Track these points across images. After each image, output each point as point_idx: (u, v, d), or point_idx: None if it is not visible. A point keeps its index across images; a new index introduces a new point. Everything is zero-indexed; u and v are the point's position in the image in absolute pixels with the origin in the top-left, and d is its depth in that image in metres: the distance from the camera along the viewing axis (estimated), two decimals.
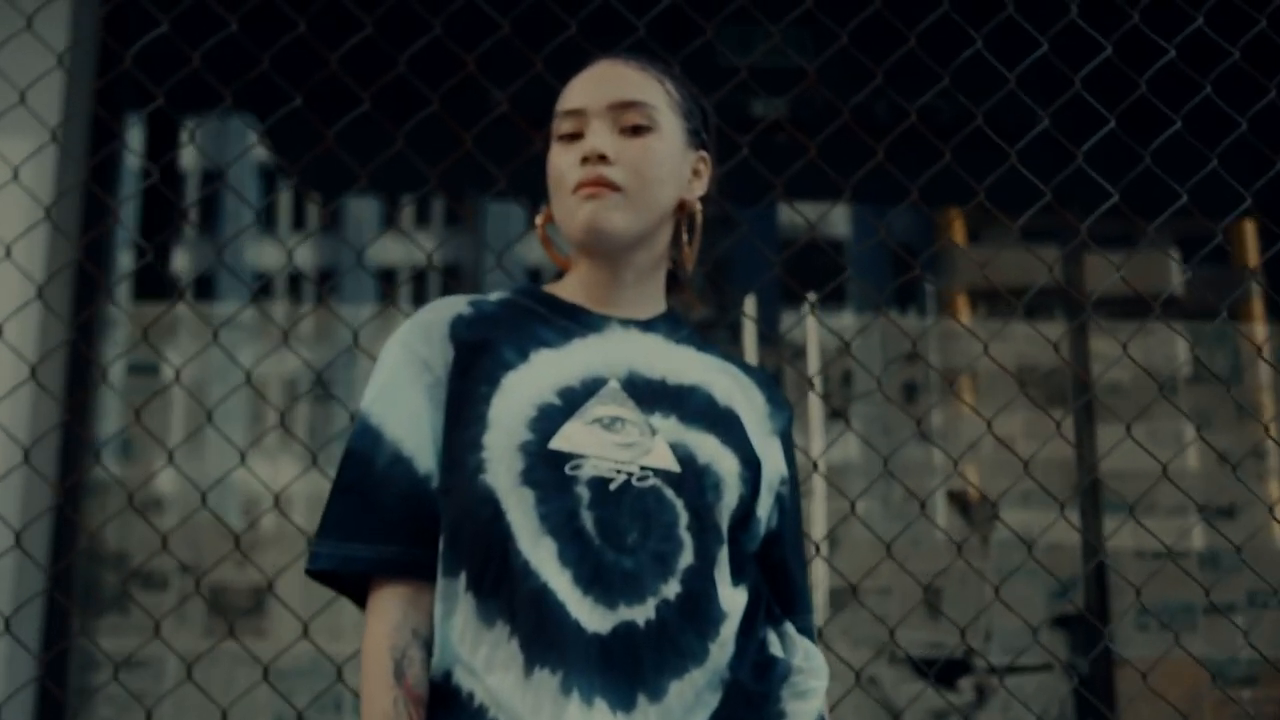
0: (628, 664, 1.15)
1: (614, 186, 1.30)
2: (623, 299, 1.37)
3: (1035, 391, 2.36)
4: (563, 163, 1.34)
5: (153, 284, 3.69)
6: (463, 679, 1.19)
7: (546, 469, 1.20)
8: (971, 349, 4.02)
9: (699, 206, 1.42)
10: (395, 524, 1.25)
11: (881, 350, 4.07)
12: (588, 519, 1.19)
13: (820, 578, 3.47)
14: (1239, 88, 2.50)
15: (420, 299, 3.96)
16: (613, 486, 1.20)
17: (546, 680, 1.13)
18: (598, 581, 1.17)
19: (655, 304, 1.41)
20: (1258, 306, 4.08)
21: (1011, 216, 2.37)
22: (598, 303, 1.37)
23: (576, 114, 1.34)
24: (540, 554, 1.17)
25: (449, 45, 2.24)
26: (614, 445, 1.23)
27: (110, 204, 2.75)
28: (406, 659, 1.21)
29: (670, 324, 1.40)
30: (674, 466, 1.23)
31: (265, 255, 4.19)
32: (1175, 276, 4.09)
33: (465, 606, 1.20)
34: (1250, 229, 4.05)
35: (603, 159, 1.30)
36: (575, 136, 1.34)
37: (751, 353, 3.78)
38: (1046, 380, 3.82)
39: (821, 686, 1.32)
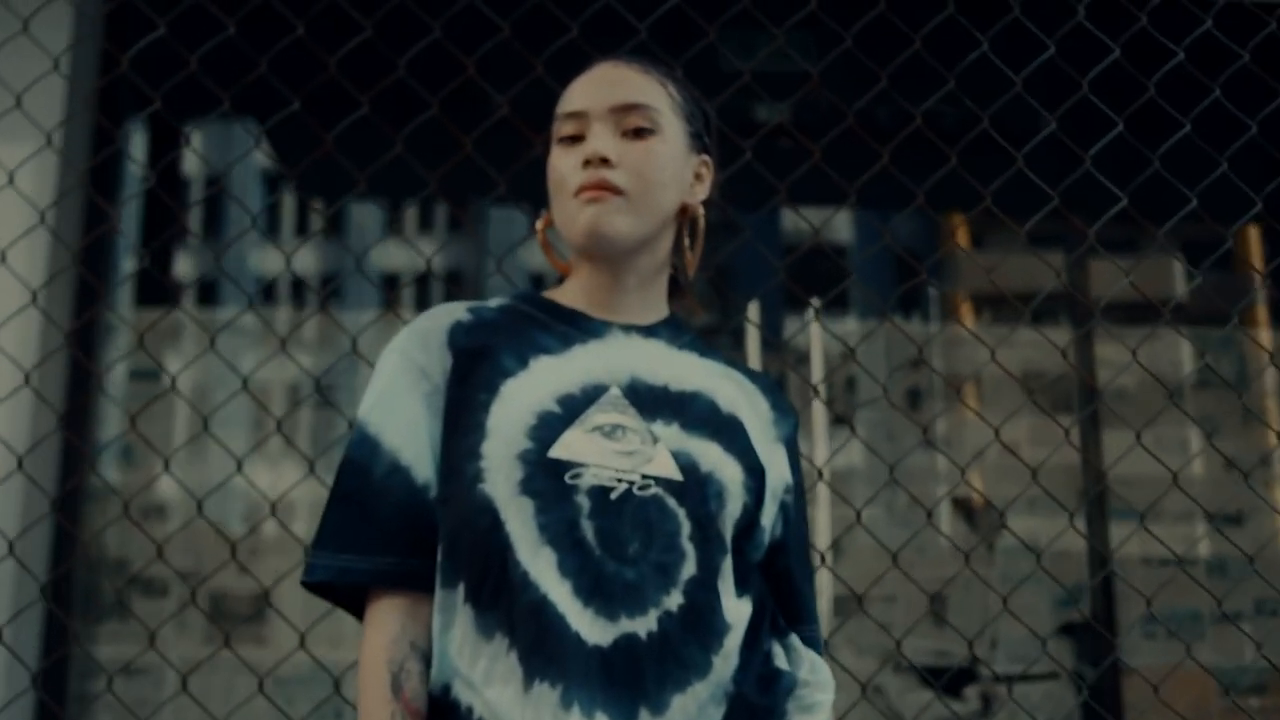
0: (629, 677, 1.13)
1: (616, 190, 1.28)
2: (624, 304, 1.35)
3: (1039, 397, 2.33)
4: (564, 166, 1.32)
5: (156, 290, 3.68)
6: (461, 692, 1.17)
7: (546, 478, 1.18)
8: (975, 355, 4.01)
9: (701, 210, 1.40)
10: (393, 534, 1.23)
11: (885, 356, 4.05)
12: (588, 529, 1.16)
13: (824, 585, 3.45)
14: (1246, 91, 2.48)
15: (423, 305, 3.95)
16: (614, 496, 1.18)
17: (546, 694, 1.11)
18: (598, 593, 1.14)
19: (657, 309, 1.39)
20: (1261, 312, 4.07)
21: (1016, 222, 2.35)
22: (599, 308, 1.35)
23: (578, 116, 1.32)
24: (540, 565, 1.15)
25: (449, 48, 2.22)
26: (615, 453, 1.20)
27: (108, 209, 2.73)
28: (404, 672, 1.19)
29: (672, 330, 1.38)
30: (676, 475, 1.21)
31: (269, 261, 4.18)
32: (1180, 281, 4.07)
33: (464, 618, 1.18)
34: (1255, 234, 4.03)
35: (605, 162, 1.28)
36: (576, 139, 1.32)
37: (755, 359, 3.76)
38: (1051, 386, 3.80)
39: (828, 700, 1.29)
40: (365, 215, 4.14)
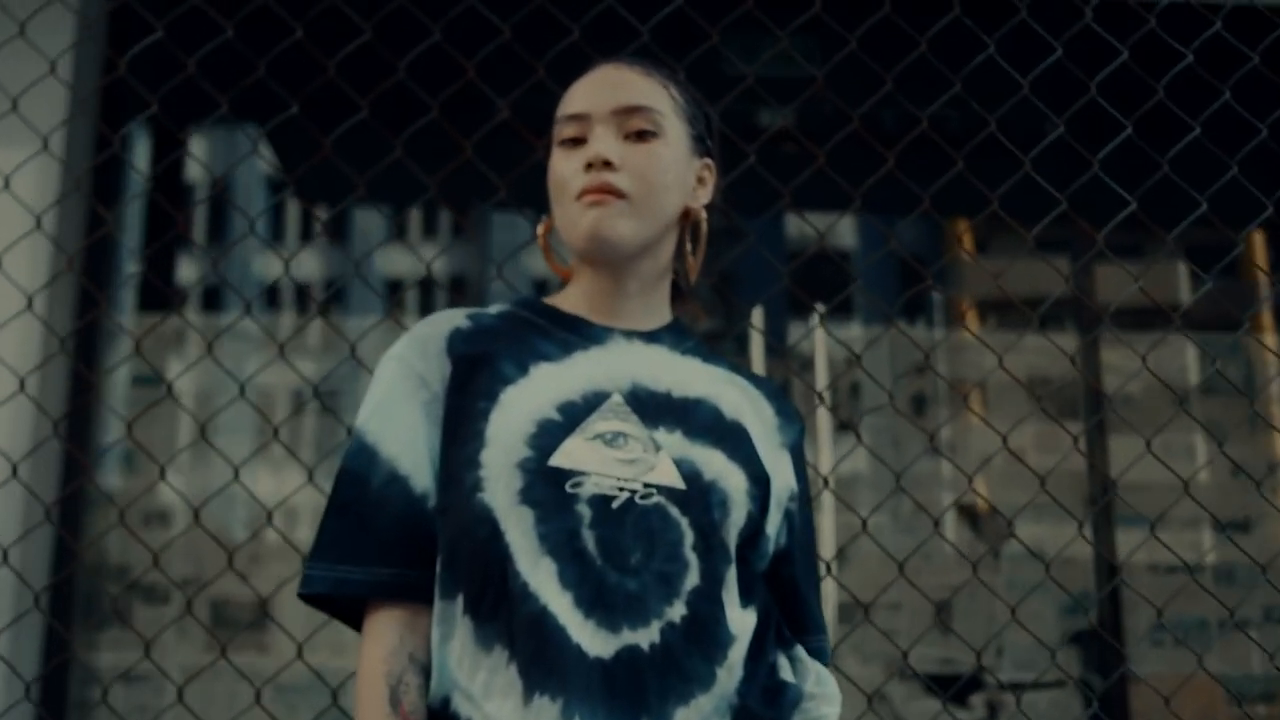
0: (631, 690, 1.11)
1: (619, 193, 1.26)
2: (626, 310, 1.33)
3: (1045, 403, 2.32)
4: (565, 169, 1.30)
5: (160, 295, 3.67)
6: (461, 705, 1.15)
7: (546, 487, 1.16)
8: (979, 360, 3.99)
9: (704, 215, 1.38)
10: (391, 545, 1.21)
11: (890, 362, 4.04)
12: (589, 539, 1.14)
13: (829, 593, 3.44)
14: (1255, 95, 2.46)
15: (426, 310, 3.94)
16: (615, 505, 1.16)
17: (546, 708, 1.09)
18: (600, 604, 1.12)
19: (660, 315, 1.37)
20: (1267, 318, 4.05)
21: (1021, 227, 2.33)
22: (600, 314, 1.33)
23: (579, 119, 1.30)
24: (540, 575, 1.13)
25: (450, 52, 2.21)
26: (616, 462, 1.18)
27: (105, 215, 2.72)
28: (403, 685, 1.17)
29: (675, 335, 1.36)
30: (679, 483, 1.19)
31: (273, 266, 4.17)
32: (1185, 286, 4.06)
33: (463, 630, 1.16)
34: (1260, 239, 4.02)
35: (608, 165, 1.26)
36: (578, 142, 1.30)
37: (759, 365, 3.75)
38: (1057, 392, 3.78)
39: (834, 713, 1.28)
40: (369, 221, 4.14)
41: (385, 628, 1.19)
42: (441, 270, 4.33)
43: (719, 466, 1.22)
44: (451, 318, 1.31)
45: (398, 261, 4.21)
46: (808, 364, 3.93)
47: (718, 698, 1.15)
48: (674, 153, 1.31)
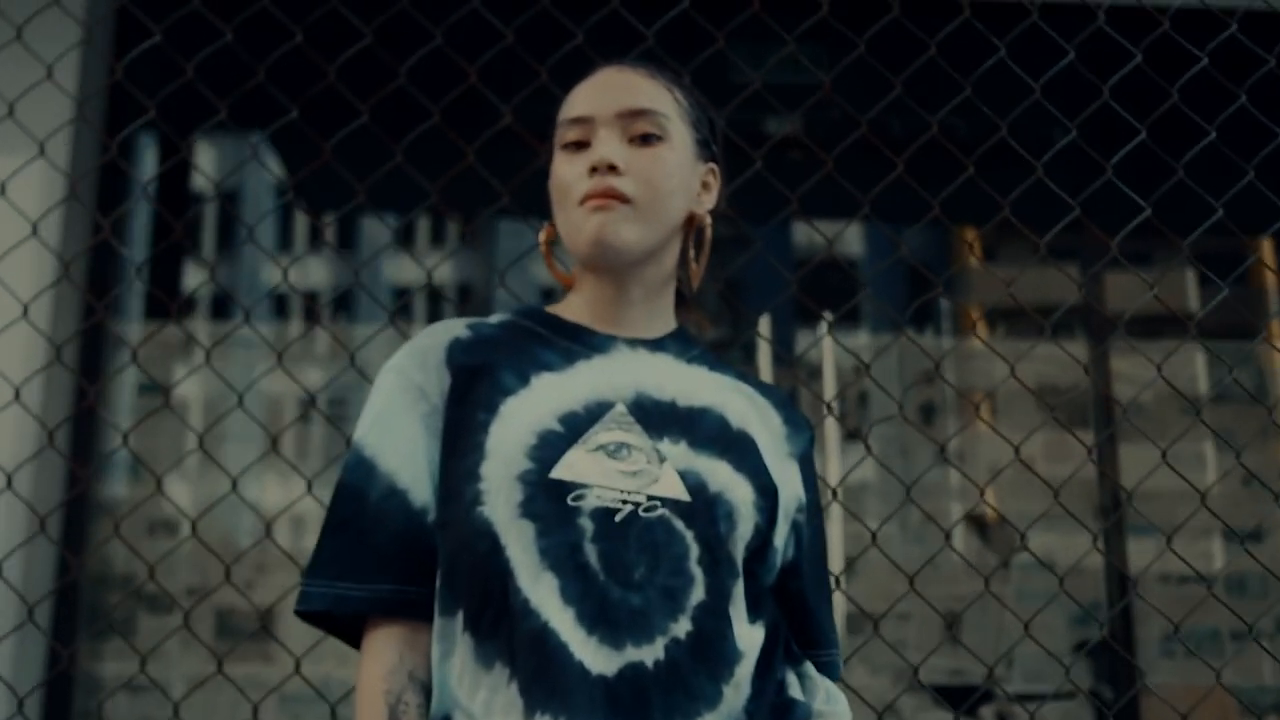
0: (635, 709, 1.07)
1: (624, 198, 1.24)
2: (629, 317, 1.31)
3: (1054, 412, 2.30)
4: (568, 173, 1.27)
5: (166, 303, 3.67)
6: None
7: (547, 500, 1.13)
8: (988, 369, 3.97)
9: (708, 220, 1.36)
10: (390, 561, 1.18)
11: (899, 371, 4.02)
12: (591, 553, 1.11)
13: (838, 603, 3.42)
14: (1267, 100, 2.45)
15: (433, 319, 3.93)
16: (618, 518, 1.13)
17: None
18: (603, 620, 1.09)
19: (664, 322, 1.34)
20: (1276, 326, 4.03)
21: (1030, 235, 2.32)
22: (603, 322, 1.30)
23: (583, 122, 1.28)
24: (541, 591, 1.10)
25: (451, 56, 2.20)
26: (619, 474, 1.15)
27: (101, 221, 2.71)
28: (402, 704, 1.14)
29: (680, 343, 1.34)
30: (683, 495, 1.16)
31: (279, 274, 4.16)
32: (1194, 294, 4.04)
33: (463, 647, 1.13)
34: (1268, 245, 4.00)
35: (612, 169, 1.24)
36: (581, 145, 1.28)
37: (766, 374, 3.73)
38: (1065, 400, 3.76)
39: None
40: (378, 229, 4.13)
41: (384, 645, 1.17)
42: (449, 279, 4.32)
43: (725, 478, 1.19)
44: (451, 328, 1.28)
45: (406, 270, 4.20)
46: (815, 373, 3.91)
47: (724, 716, 1.12)
48: (679, 157, 1.29)
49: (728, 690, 1.13)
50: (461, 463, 1.17)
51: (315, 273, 4.32)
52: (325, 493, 1.26)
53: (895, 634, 3.61)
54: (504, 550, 1.12)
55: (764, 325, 3.37)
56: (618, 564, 1.11)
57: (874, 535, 2.07)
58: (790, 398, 1.43)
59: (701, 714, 1.10)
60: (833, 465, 3.63)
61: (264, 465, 2.16)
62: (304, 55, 2.23)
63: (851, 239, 4.30)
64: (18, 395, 2.11)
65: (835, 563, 3.41)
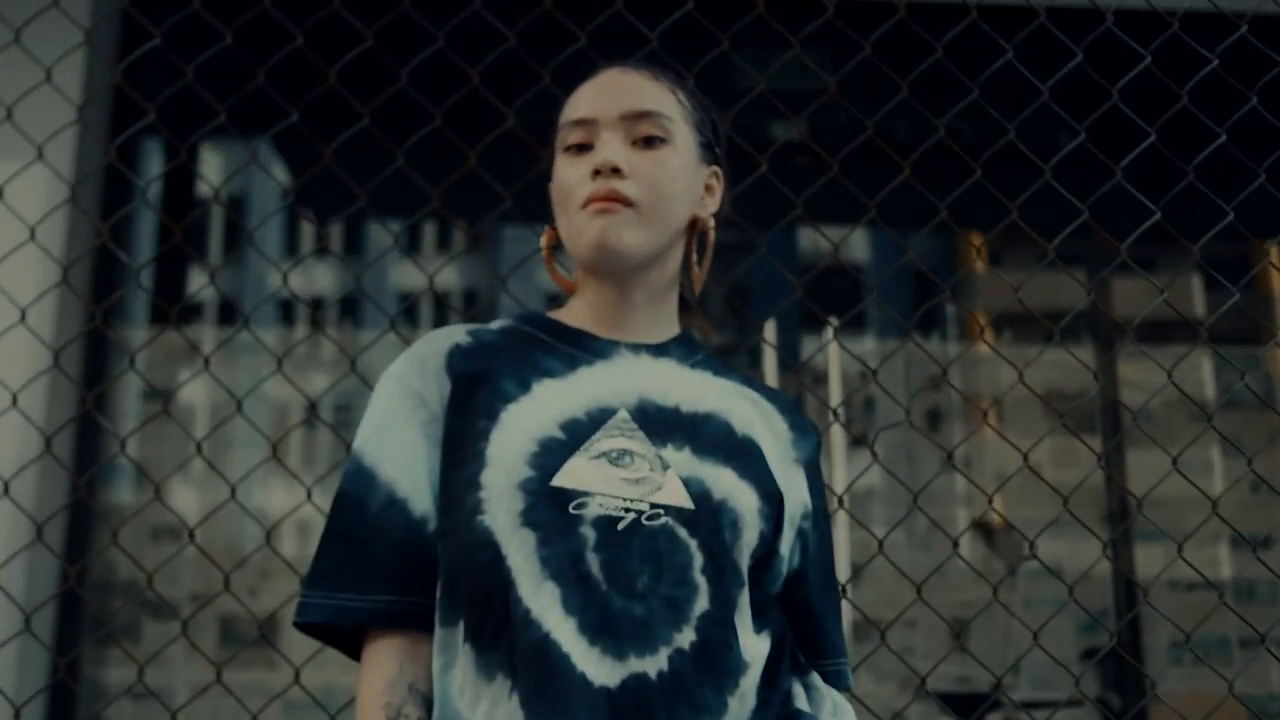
0: None
1: (627, 201, 1.22)
2: (632, 322, 1.29)
3: (1061, 418, 2.28)
4: (571, 176, 1.26)
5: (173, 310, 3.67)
6: None
7: (548, 508, 1.11)
8: (994, 374, 3.96)
9: (712, 224, 1.34)
10: (390, 571, 1.16)
11: (905, 377, 4.01)
12: (594, 562, 1.09)
13: (844, 611, 3.40)
14: (1276, 103, 2.43)
15: (439, 326, 3.93)
16: (621, 526, 1.11)
17: None
18: (605, 630, 1.07)
19: (668, 327, 1.32)
20: None
21: (1036, 240, 2.30)
22: (606, 327, 1.28)
23: (586, 124, 1.26)
24: (542, 601, 1.07)
25: (454, 60, 2.19)
26: (622, 481, 1.13)
27: (100, 228, 2.71)
28: (402, 717, 1.12)
29: (684, 348, 1.32)
30: (687, 503, 1.14)
31: (290, 279, 4.16)
32: (1199, 299, 4.03)
33: (464, 659, 1.11)
34: (1276, 250, 3.99)
35: (616, 172, 1.22)
36: (584, 148, 1.26)
37: (772, 380, 3.72)
38: (1072, 406, 3.75)
39: None
40: (384, 234, 4.13)
41: (385, 657, 1.15)
42: (454, 284, 4.32)
43: (729, 485, 1.17)
44: (451, 334, 1.27)
45: (412, 275, 4.19)
46: (821, 379, 3.90)
47: None
48: (683, 160, 1.28)
49: (732, 702, 1.11)
50: (462, 471, 1.15)
51: (322, 278, 4.32)
52: (328, 499, 1.24)
53: (902, 641, 3.59)
54: (505, 560, 1.10)
55: (769, 331, 3.37)
56: (620, 573, 1.09)
57: (880, 543, 2.06)
58: (796, 403, 1.42)
59: None
60: (839, 472, 3.62)
61: (271, 471, 2.15)
62: (306, 59, 2.23)
63: (857, 245, 4.29)
64: (15, 401, 2.10)
65: (841, 570, 3.40)
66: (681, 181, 1.27)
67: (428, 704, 1.15)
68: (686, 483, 1.16)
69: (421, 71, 2.22)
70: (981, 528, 3.93)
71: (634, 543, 1.11)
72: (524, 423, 1.16)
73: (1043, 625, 2.12)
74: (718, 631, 1.12)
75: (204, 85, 2.21)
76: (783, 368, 3.71)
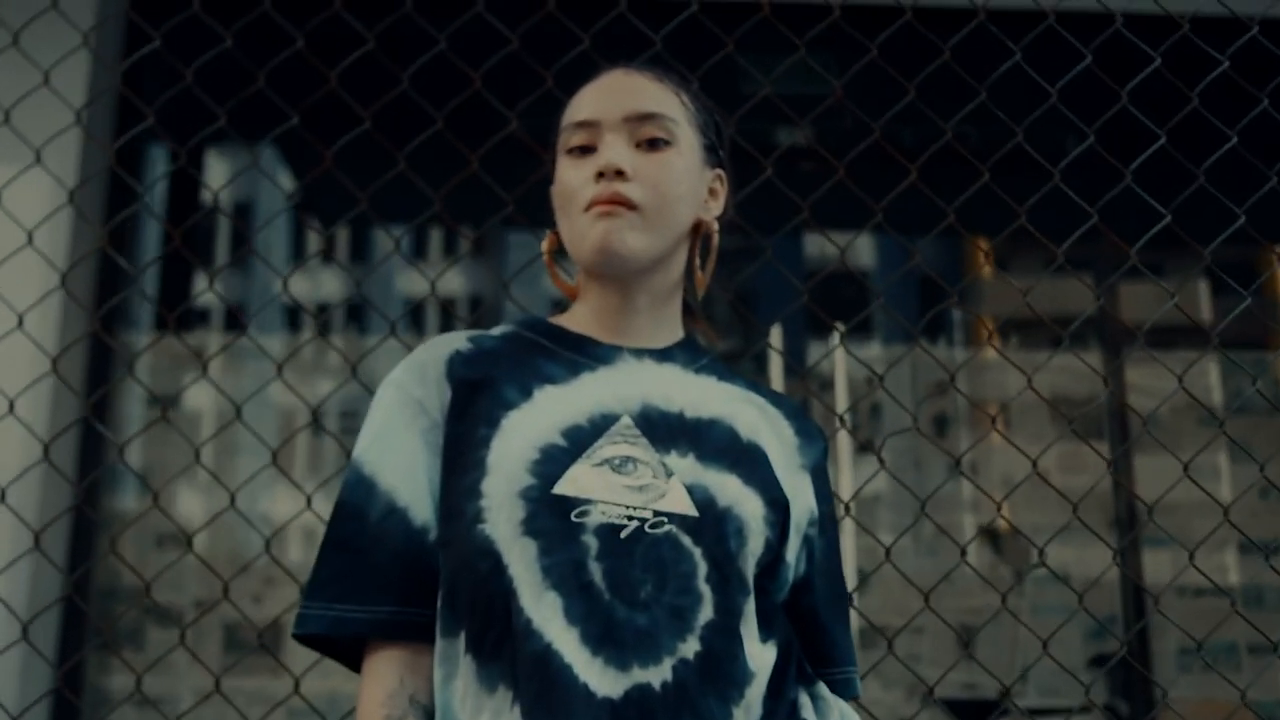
0: None
1: (631, 204, 1.20)
2: (635, 327, 1.27)
3: (1069, 424, 2.27)
4: (574, 179, 1.24)
5: (179, 316, 3.67)
6: None
7: (550, 517, 1.09)
8: (1000, 380, 3.95)
9: (715, 228, 1.32)
10: (390, 581, 1.14)
11: (911, 382, 4.00)
12: (596, 571, 1.07)
13: (851, 617, 3.39)
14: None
15: (445, 332, 3.92)
16: (623, 534, 1.09)
17: None
18: (608, 640, 1.05)
19: (671, 332, 1.31)
20: None
21: (1042, 244, 2.29)
22: (608, 332, 1.27)
23: (589, 126, 1.25)
24: (544, 611, 1.06)
25: (456, 62, 2.19)
26: (625, 489, 1.11)
27: (97, 231, 2.71)
28: None
29: (688, 352, 1.30)
30: (691, 511, 1.12)
31: (295, 286, 4.17)
32: (1206, 304, 4.01)
33: (466, 670, 1.10)
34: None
35: (620, 174, 1.20)
36: (587, 150, 1.25)
37: (778, 385, 3.71)
38: (1080, 412, 3.74)
39: None
40: (390, 240, 4.13)
41: (385, 669, 1.14)
42: (460, 290, 4.31)
43: (734, 492, 1.16)
44: (451, 341, 1.25)
45: (419, 281, 4.19)
46: (827, 384, 3.89)
47: None
48: (687, 163, 1.26)
49: (738, 712, 1.09)
50: (463, 479, 1.14)
51: (329, 284, 4.32)
52: (330, 506, 1.23)
53: (908, 648, 3.58)
54: (506, 569, 1.08)
55: (775, 336, 3.36)
56: (623, 582, 1.08)
57: (888, 551, 2.04)
58: (803, 407, 1.41)
59: None
60: (845, 478, 3.61)
61: (277, 477, 2.14)
62: (307, 62, 2.22)
63: (863, 249, 4.28)
64: (11, 408, 2.10)
65: (848, 577, 3.39)
66: (685, 184, 1.26)
67: (429, 716, 1.13)
68: (690, 490, 1.14)
69: (423, 74, 2.21)
70: (988, 534, 3.92)
71: (637, 551, 1.09)
72: (525, 430, 1.15)
73: (1052, 634, 2.10)
74: (723, 641, 1.10)
75: (209, 90, 2.21)
76: (789, 373, 3.70)
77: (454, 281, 4.28)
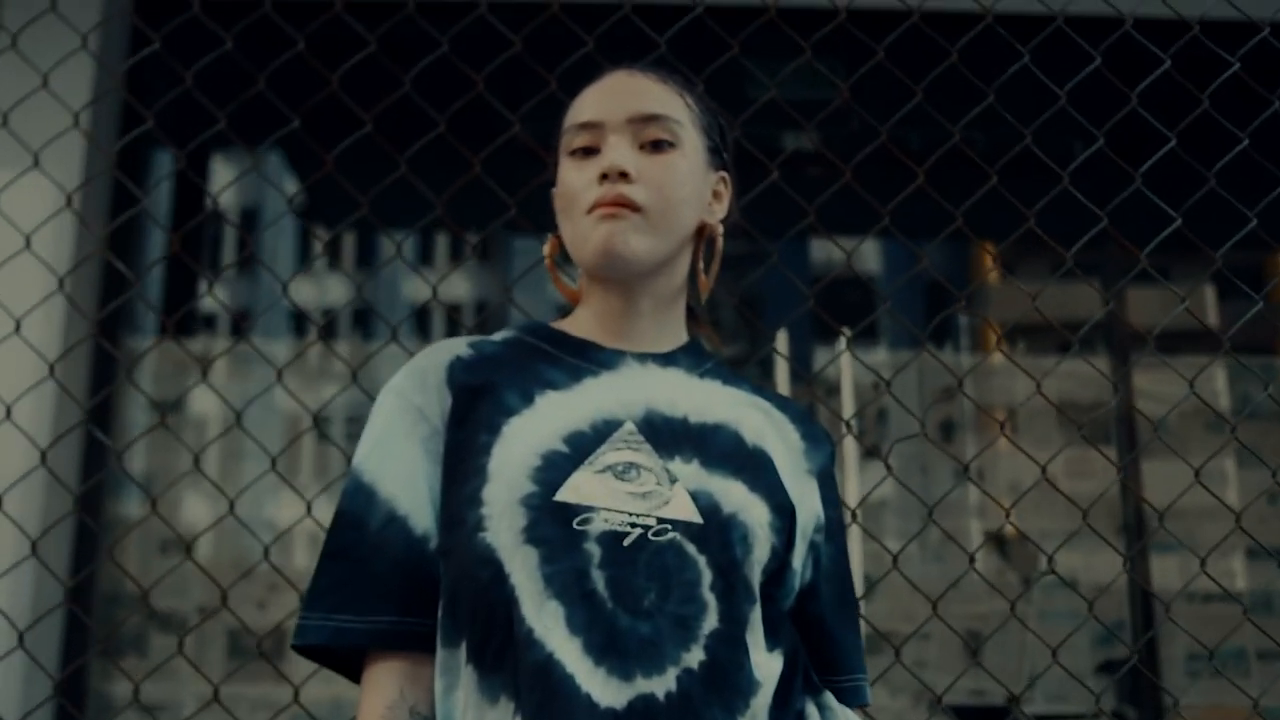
0: None
1: (634, 206, 1.19)
2: (639, 331, 1.26)
3: (1074, 428, 2.25)
4: (577, 180, 1.22)
5: (183, 321, 3.66)
6: None
7: (552, 524, 1.07)
8: (1008, 385, 3.93)
9: (719, 230, 1.31)
10: (390, 591, 1.12)
11: (918, 388, 3.98)
12: (599, 579, 1.05)
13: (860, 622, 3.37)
14: None
15: (451, 335, 3.91)
16: (626, 542, 1.07)
17: None
18: (611, 650, 1.03)
19: (675, 336, 1.29)
20: None
21: (1049, 249, 2.28)
22: (611, 336, 1.25)
23: (592, 127, 1.23)
24: (546, 620, 1.04)
25: (459, 65, 2.17)
26: (628, 495, 1.09)
27: (96, 236, 2.70)
28: None
29: (693, 356, 1.29)
30: (695, 518, 1.10)
31: (301, 291, 4.16)
32: (1212, 309, 3.99)
33: (467, 680, 1.08)
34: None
35: (624, 176, 1.19)
36: (590, 152, 1.23)
37: (784, 391, 3.69)
38: (1087, 417, 3.72)
39: None
40: (393, 245, 4.12)
41: (385, 680, 1.12)
42: (466, 295, 4.30)
43: (739, 498, 1.14)
44: (452, 347, 1.23)
45: (424, 287, 4.18)
46: (834, 390, 3.87)
47: None
48: (691, 165, 1.25)
49: None
50: (463, 487, 1.12)
51: (331, 289, 4.31)
52: (331, 512, 1.22)
53: (915, 654, 3.56)
54: (508, 578, 1.06)
55: (781, 341, 3.34)
56: (626, 591, 1.05)
57: (895, 558, 2.03)
58: (809, 412, 1.39)
59: None
60: (852, 484, 3.59)
61: (281, 483, 2.13)
62: (309, 66, 2.21)
63: (870, 254, 4.27)
64: (9, 414, 2.09)
65: (855, 584, 3.37)
66: (689, 186, 1.24)
67: None
68: (695, 496, 1.12)
69: (426, 77, 2.20)
70: (996, 540, 3.90)
71: (640, 559, 1.07)
72: (526, 436, 1.13)
73: (1061, 642, 2.08)
74: (728, 650, 1.08)
75: (211, 94, 2.20)
76: (795, 379, 3.68)
77: (458, 286, 4.27)
